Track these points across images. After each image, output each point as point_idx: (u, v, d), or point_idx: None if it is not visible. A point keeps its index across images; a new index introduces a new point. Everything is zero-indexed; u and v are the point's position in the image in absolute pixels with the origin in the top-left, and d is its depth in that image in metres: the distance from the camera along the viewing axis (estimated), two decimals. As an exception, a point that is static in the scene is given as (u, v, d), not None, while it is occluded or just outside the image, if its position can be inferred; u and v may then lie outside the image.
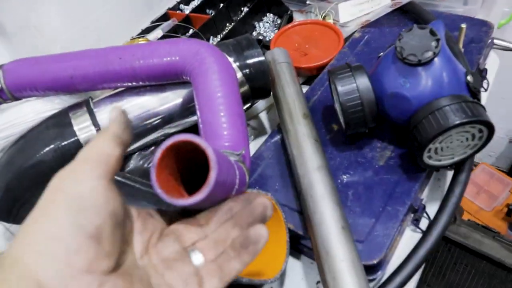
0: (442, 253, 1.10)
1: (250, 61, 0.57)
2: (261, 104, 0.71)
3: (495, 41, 0.75)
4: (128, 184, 0.51)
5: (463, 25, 0.62)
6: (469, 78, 0.49)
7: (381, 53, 0.55)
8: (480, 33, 0.68)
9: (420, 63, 0.47)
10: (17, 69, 0.53)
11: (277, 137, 0.59)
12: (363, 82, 0.51)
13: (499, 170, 1.55)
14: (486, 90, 0.69)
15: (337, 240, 0.42)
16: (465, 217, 1.18)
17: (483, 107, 0.47)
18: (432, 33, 0.47)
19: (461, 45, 0.64)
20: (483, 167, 1.33)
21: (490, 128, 0.46)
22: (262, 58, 0.57)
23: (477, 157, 1.64)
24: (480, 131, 0.46)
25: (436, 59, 0.47)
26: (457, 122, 0.44)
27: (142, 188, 0.51)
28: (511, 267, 1.01)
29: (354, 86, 0.51)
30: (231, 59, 0.57)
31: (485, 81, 0.68)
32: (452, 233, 1.08)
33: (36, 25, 0.74)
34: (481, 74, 0.67)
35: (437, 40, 0.47)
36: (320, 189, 0.45)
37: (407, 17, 0.75)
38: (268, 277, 0.44)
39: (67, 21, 0.79)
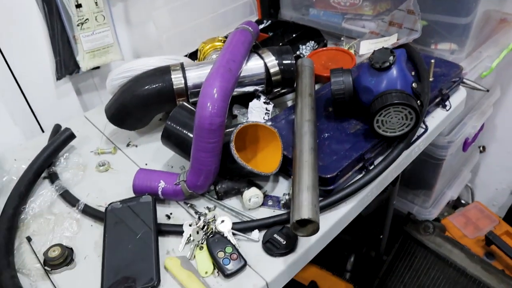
0: (420, 258, 1.32)
1: (285, 61, 0.90)
2: (289, 96, 1.03)
3: (465, 80, 1.02)
4: (178, 133, 0.83)
5: (432, 60, 0.92)
6: (414, 84, 0.79)
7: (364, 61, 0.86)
8: (450, 71, 0.97)
9: (381, 68, 0.77)
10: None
11: (291, 110, 0.90)
12: (347, 78, 0.82)
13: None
14: (447, 110, 0.96)
15: (307, 154, 0.71)
16: (447, 236, 1.38)
17: (416, 101, 0.76)
18: (391, 52, 0.77)
19: (431, 74, 0.93)
20: (476, 205, 1.54)
21: (416, 113, 0.75)
22: (293, 61, 0.90)
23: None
24: (410, 113, 0.75)
25: (392, 67, 0.77)
26: (394, 101, 0.73)
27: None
28: (471, 275, 1.22)
29: (341, 80, 0.81)
30: (273, 57, 0.90)
31: (447, 102, 0.96)
32: (429, 241, 1.31)
33: (154, 21, 1.12)
34: (443, 97, 0.95)
35: (393, 56, 0.77)
36: (305, 128, 0.76)
37: (405, 55, 1.05)
38: (265, 171, 0.74)
39: (175, 22, 1.17)
